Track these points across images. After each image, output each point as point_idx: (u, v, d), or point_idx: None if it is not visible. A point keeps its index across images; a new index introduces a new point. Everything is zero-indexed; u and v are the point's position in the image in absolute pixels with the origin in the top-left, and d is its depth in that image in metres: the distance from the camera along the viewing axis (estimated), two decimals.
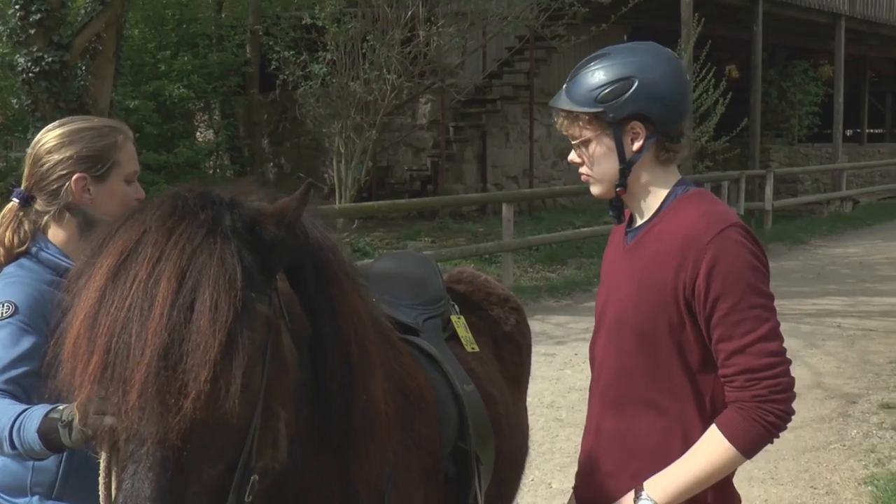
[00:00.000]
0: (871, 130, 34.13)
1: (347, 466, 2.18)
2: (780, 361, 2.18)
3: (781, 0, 21.48)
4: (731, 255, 2.17)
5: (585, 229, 15.41)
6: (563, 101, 2.34)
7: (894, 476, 5.84)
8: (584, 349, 9.51)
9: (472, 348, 3.05)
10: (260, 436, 1.79)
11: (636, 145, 2.30)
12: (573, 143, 2.37)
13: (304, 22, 13.20)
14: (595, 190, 2.43)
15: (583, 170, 2.40)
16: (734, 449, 2.18)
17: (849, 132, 30.13)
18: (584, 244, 15.54)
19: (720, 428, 2.20)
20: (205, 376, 1.64)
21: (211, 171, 17.70)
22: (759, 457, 6.90)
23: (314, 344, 2.09)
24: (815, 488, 5.86)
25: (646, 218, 2.38)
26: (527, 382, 3.57)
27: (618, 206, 2.45)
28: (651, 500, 2.24)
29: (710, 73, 15.56)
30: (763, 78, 21.94)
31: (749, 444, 2.18)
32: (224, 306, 1.68)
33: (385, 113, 13.93)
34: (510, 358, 3.32)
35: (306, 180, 1.86)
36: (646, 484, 2.26)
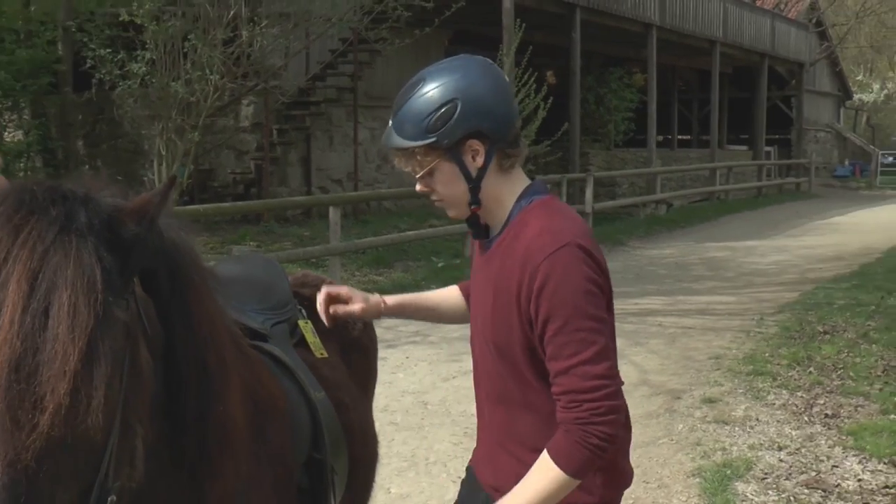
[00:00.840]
0: (681, 137, 35.82)
1: (201, 483, 2.02)
2: (604, 385, 2.17)
3: (598, 9, 22.15)
4: (559, 277, 2.16)
5: (411, 233, 15.38)
6: (394, 140, 2.30)
7: (719, 467, 6.02)
8: (415, 352, 9.54)
9: (321, 354, 2.91)
10: (117, 454, 1.63)
11: (478, 161, 2.28)
12: (416, 177, 2.34)
13: (120, 19, 12.59)
14: (451, 213, 2.41)
15: (434, 197, 2.37)
16: (562, 472, 2.17)
17: (660, 138, 31.47)
18: (410, 247, 15.55)
19: (549, 452, 2.19)
20: (64, 389, 1.48)
21: (21, 174, 16.75)
22: None
23: (168, 352, 1.91)
24: (647, 483, 5.97)
25: (498, 229, 2.37)
26: (374, 388, 3.46)
27: (474, 222, 2.41)
28: None
29: (531, 79, 15.81)
30: (581, 84, 22.54)
31: (576, 467, 2.17)
32: (84, 311, 1.51)
33: (207, 115, 13.51)
34: (359, 364, 3.21)
35: (171, 175, 1.70)
36: None
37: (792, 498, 5.55)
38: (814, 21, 39.13)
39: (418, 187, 2.38)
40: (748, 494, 5.58)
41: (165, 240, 1.90)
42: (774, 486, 5.74)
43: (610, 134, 26.17)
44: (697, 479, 5.93)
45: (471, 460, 2.64)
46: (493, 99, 2.27)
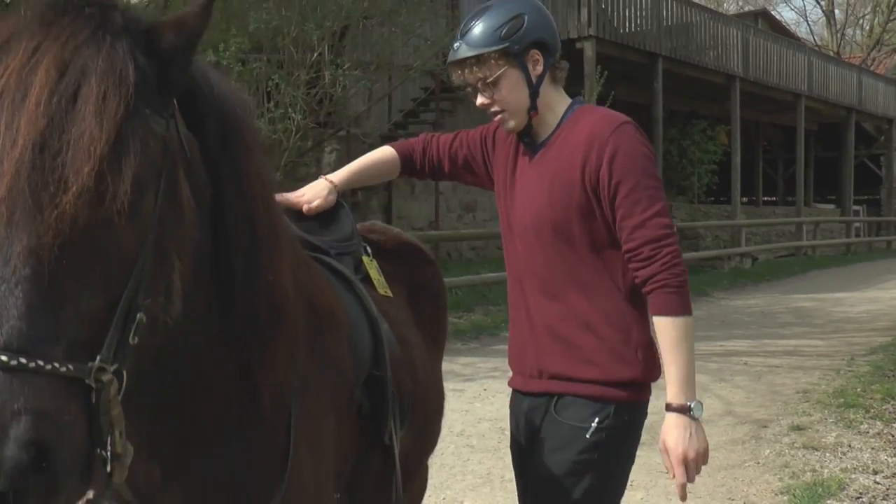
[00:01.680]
0: (766, 198, 35.12)
1: (253, 372, 1.94)
2: (673, 234, 2.53)
3: (681, 59, 22.05)
4: (627, 146, 2.54)
5: (491, 275, 15.28)
6: (466, 51, 2.60)
7: (810, 486, 5.75)
8: (493, 385, 9.39)
9: (385, 292, 2.80)
10: (151, 277, 1.56)
11: (538, 69, 2.64)
12: (480, 87, 2.63)
13: (207, 60, 12.91)
14: (511, 124, 2.69)
15: (495, 108, 2.66)
16: (682, 317, 2.48)
17: (744, 199, 30.85)
18: (490, 292, 15.44)
19: (661, 314, 2.50)
20: (88, 168, 1.41)
21: None
22: None
23: (216, 209, 1.84)
24: (732, 499, 5.73)
25: (550, 132, 2.70)
26: (443, 342, 3.33)
27: (526, 132, 2.73)
28: (696, 401, 2.48)
29: None
30: (664, 136, 22.37)
31: (686, 306, 2.49)
32: (113, 99, 1.46)
33: (289, 158, 13.67)
34: (426, 310, 3.07)
35: None
36: (671, 400, 2.48)
37: None
38: None
39: (480, 100, 2.66)
40: None
41: (216, 91, 1.85)
42: None
43: (693, 187, 25.88)
44: (786, 497, 5.66)
45: (510, 382, 2.88)
46: (547, 18, 2.68)
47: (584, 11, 19.15)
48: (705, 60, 23.28)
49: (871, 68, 36.41)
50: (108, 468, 1.52)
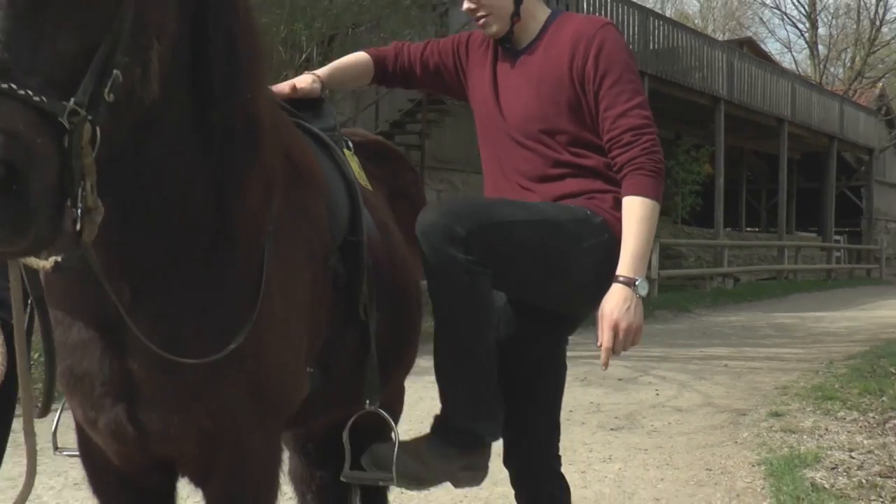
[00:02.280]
0: (749, 228, 35.26)
1: (225, 193, 1.99)
2: (653, 125, 2.65)
3: (666, 79, 22.27)
4: (611, 42, 2.70)
5: None
6: None
7: (787, 458, 5.80)
8: None
9: (366, 185, 2.83)
10: (129, 38, 1.64)
11: None
12: None
13: None
14: (494, 28, 2.81)
15: (480, 12, 2.79)
16: (651, 200, 2.60)
17: (728, 228, 30.93)
18: None
19: (633, 193, 2.60)
20: None
21: None
22: (653, 447, 6.86)
23: (196, 16, 1.92)
24: (710, 470, 5.79)
25: (532, 38, 2.82)
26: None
27: (507, 38, 2.84)
28: (641, 277, 2.54)
29: None
30: None
31: (657, 191, 2.61)
32: None
33: None
34: (405, 215, 3.02)
35: None
36: (620, 272, 2.54)
37: (864, 481, 5.29)
38: (883, 111, 38.83)
39: (466, 5, 2.81)
40: (818, 479, 5.33)
41: None
42: (845, 473, 5.49)
43: (677, 207, 26.02)
44: (763, 468, 5.72)
45: None
46: None
47: None
48: (691, 81, 23.52)
49: (854, 99, 36.74)
50: (79, 226, 1.56)
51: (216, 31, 1.94)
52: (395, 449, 2.54)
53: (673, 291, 20.71)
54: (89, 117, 1.55)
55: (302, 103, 2.80)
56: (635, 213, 2.57)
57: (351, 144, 2.93)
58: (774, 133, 28.82)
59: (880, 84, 42.00)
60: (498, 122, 2.84)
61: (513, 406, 2.80)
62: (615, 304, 2.51)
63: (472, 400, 2.58)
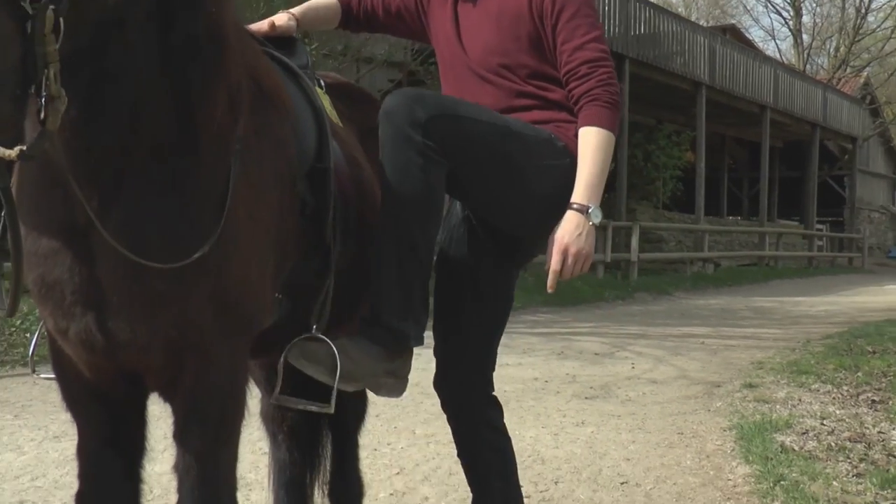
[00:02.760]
0: (731, 216, 35.28)
1: (190, 100, 1.98)
2: (609, 58, 2.67)
3: (647, 62, 22.22)
4: None
5: None
6: None
7: (758, 424, 5.78)
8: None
9: (338, 122, 2.80)
10: None
11: None
12: None
13: None
14: None
15: None
16: (606, 131, 2.60)
17: (709, 217, 30.95)
18: None
19: (589, 124, 2.59)
20: None
21: None
22: (626, 414, 6.83)
23: None
24: (681, 433, 5.77)
25: None
26: None
27: None
28: (594, 205, 2.52)
29: None
30: (629, 141, 22.49)
31: (613, 123, 2.61)
32: None
33: None
34: (376, 153, 3.04)
35: None
36: (575, 199, 2.53)
37: (833, 445, 5.29)
38: (867, 99, 38.96)
39: None
40: (787, 443, 5.32)
41: None
42: (815, 438, 5.48)
43: (658, 192, 26.01)
44: (734, 432, 5.70)
45: None
46: None
47: None
48: (672, 66, 23.47)
49: (838, 88, 36.82)
50: (42, 113, 1.59)
51: None
52: (334, 348, 2.45)
53: (653, 275, 20.75)
54: (52, 6, 1.56)
55: (277, 42, 2.78)
56: (591, 142, 2.57)
57: (323, 84, 2.90)
58: (756, 120, 28.82)
59: (865, 73, 42.14)
60: (461, 59, 2.82)
61: (454, 326, 2.81)
62: (567, 229, 2.51)
63: (405, 298, 2.52)
